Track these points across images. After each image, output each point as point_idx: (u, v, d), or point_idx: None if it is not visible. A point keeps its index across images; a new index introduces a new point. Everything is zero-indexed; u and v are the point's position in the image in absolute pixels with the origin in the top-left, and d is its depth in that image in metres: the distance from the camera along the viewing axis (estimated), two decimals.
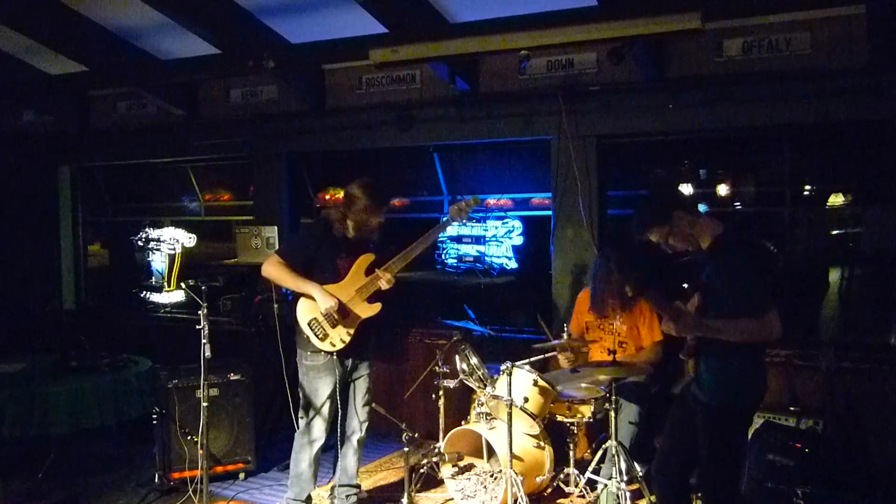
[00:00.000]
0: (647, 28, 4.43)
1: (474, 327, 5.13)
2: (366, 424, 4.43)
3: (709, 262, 3.32)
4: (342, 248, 4.24)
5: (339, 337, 4.16)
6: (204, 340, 4.19)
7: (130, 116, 7.74)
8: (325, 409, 4.26)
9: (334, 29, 5.73)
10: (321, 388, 4.23)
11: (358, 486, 4.56)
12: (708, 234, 3.31)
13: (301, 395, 4.31)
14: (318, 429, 4.28)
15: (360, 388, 4.39)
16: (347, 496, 4.48)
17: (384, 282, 4.19)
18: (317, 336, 4.14)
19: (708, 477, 3.37)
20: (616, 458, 4.30)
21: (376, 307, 4.25)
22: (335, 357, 4.19)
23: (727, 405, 3.28)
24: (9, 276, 8.20)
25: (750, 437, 4.41)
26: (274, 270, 4.17)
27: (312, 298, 4.12)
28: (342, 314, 4.16)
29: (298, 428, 4.35)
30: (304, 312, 4.16)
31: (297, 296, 4.21)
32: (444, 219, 4.49)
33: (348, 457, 4.44)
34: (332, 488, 4.56)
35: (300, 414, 4.33)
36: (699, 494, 3.84)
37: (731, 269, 3.22)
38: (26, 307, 8.14)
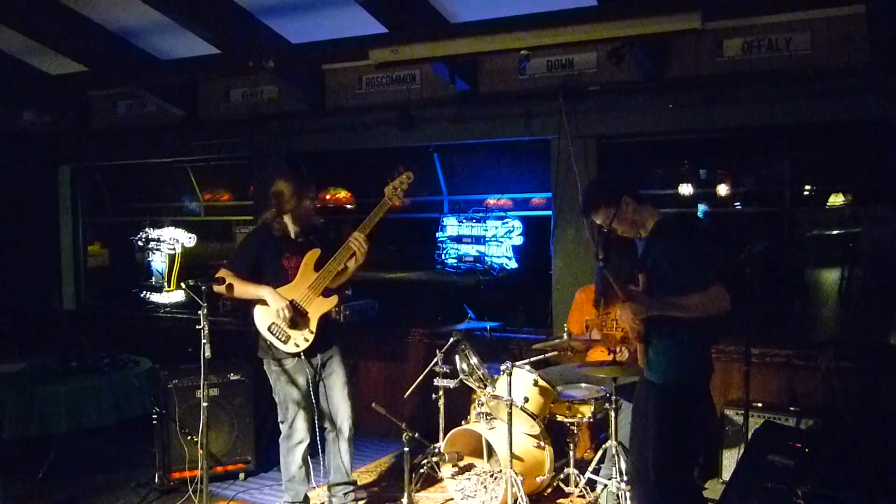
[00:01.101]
0: (647, 28, 4.43)
1: (474, 327, 5.13)
2: (351, 418, 4.39)
3: (651, 247, 3.42)
4: (285, 248, 4.23)
5: (302, 336, 4.16)
6: (204, 340, 4.19)
7: (130, 116, 7.74)
8: (303, 411, 4.26)
9: (334, 29, 5.73)
10: (293, 392, 4.24)
11: (354, 483, 4.54)
12: (650, 222, 3.44)
13: (276, 400, 4.32)
14: (301, 430, 4.28)
15: (337, 383, 4.36)
16: (345, 493, 4.46)
17: (357, 246, 4.12)
18: (279, 339, 4.14)
19: (659, 459, 3.38)
20: (616, 458, 4.30)
21: (332, 300, 4.25)
22: (303, 357, 4.19)
23: (679, 383, 3.35)
24: (9, 277, 8.20)
25: (750, 437, 4.42)
26: (224, 286, 4.13)
27: (265, 303, 4.13)
28: (299, 313, 4.16)
29: (282, 432, 4.35)
30: (262, 318, 4.17)
31: (253, 304, 4.20)
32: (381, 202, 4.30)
33: (341, 453, 4.41)
34: (329, 487, 4.54)
35: (280, 419, 4.33)
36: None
37: (672, 248, 3.33)
38: (26, 307, 8.13)
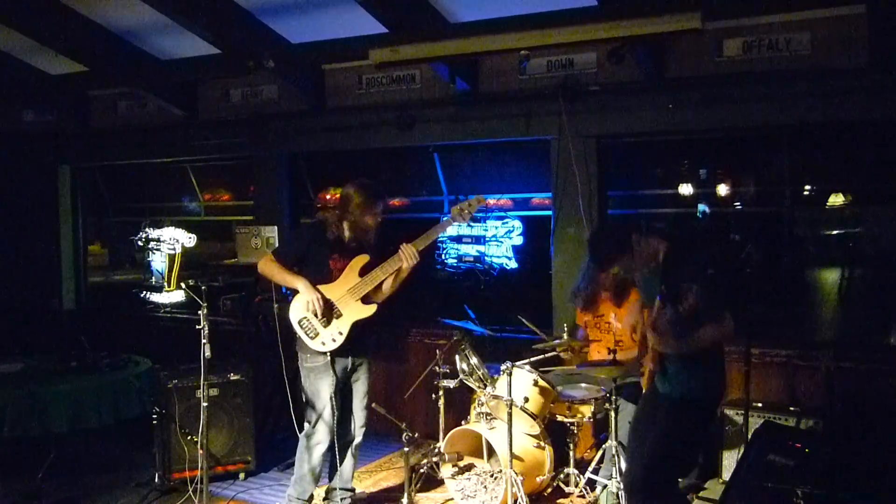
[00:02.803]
0: (647, 28, 4.43)
1: (474, 327, 5.13)
2: (364, 429, 4.43)
3: (663, 279, 3.39)
4: (336, 249, 4.23)
5: (331, 336, 4.15)
6: (204, 340, 4.20)
7: (130, 116, 7.74)
8: (328, 411, 4.25)
9: (334, 29, 5.73)
10: (322, 390, 4.23)
11: (353, 490, 4.57)
12: (660, 252, 3.44)
13: (304, 397, 4.30)
14: (323, 431, 4.28)
15: (359, 391, 4.38)
16: (342, 500, 4.48)
17: (406, 257, 4.13)
18: (308, 335, 4.14)
19: (652, 467, 3.39)
20: (616, 458, 4.31)
21: (370, 308, 4.20)
22: (328, 357, 4.18)
23: (695, 399, 3.37)
24: (9, 276, 8.20)
25: (750, 437, 4.42)
26: (266, 267, 4.24)
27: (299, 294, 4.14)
28: (333, 313, 4.15)
29: (303, 430, 4.35)
30: (296, 312, 4.16)
31: (291, 297, 4.21)
32: (445, 218, 4.46)
33: (345, 460, 4.43)
34: (328, 491, 4.55)
35: (306, 416, 4.31)
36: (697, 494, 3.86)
37: (685, 281, 3.30)
38: (26, 307, 8.13)
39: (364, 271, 4.21)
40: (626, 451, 4.28)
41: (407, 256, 4.14)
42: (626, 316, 3.94)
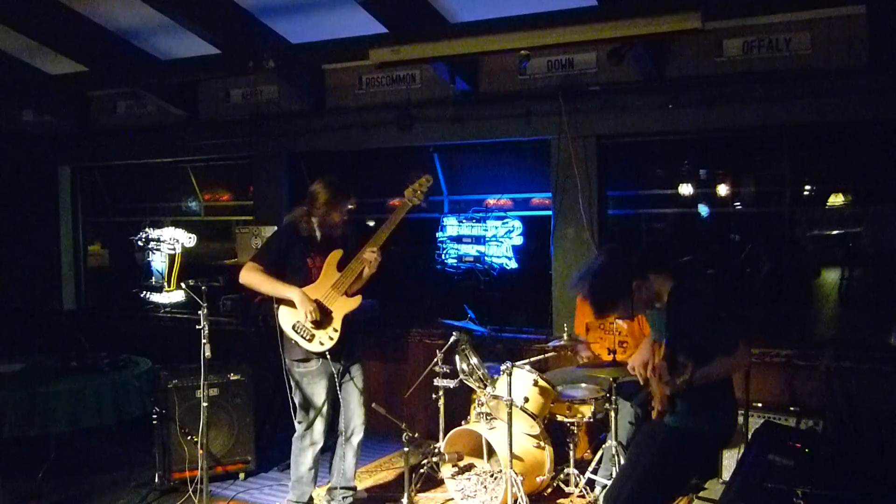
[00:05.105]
0: (647, 28, 4.43)
1: (474, 327, 5.13)
2: (363, 426, 4.43)
3: (671, 314, 3.33)
4: (311, 247, 4.25)
5: (327, 335, 4.15)
6: (204, 340, 4.19)
7: (130, 116, 7.74)
8: (324, 412, 4.26)
9: (334, 29, 5.73)
10: (318, 392, 4.23)
11: (354, 489, 4.56)
12: (664, 291, 3.34)
13: (298, 400, 4.30)
14: (318, 432, 4.28)
15: (356, 388, 4.38)
16: (344, 498, 4.47)
17: (368, 255, 4.17)
18: (304, 338, 4.13)
19: (641, 490, 3.28)
20: (616, 458, 4.30)
21: (356, 300, 4.25)
22: (327, 357, 4.19)
23: (700, 434, 3.32)
24: (9, 277, 8.20)
25: (750, 437, 4.42)
26: (251, 277, 4.17)
27: (291, 303, 4.12)
28: (324, 312, 4.16)
29: (297, 431, 4.35)
30: (287, 317, 4.16)
31: (277, 303, 4.20)
32: (400, 205, 4.39)
33: (347, 459, 4.43)
34: (329, 490, 4.55)
35: (298, 418, 4.31)
36: None
37: (693, 317, 3.24)
38: (26, 307, 8.13)
39: (341, 265, 4.24)
40: (626, 452, 4.29)
41: (371, 259, 4.18)
42: (636, 355, 3.98)
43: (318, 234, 4.26)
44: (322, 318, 4.13)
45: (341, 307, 4.20)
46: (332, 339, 4.16)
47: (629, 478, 3.34)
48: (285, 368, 4.28)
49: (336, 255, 4.26)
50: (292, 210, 4.42)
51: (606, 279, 3.35)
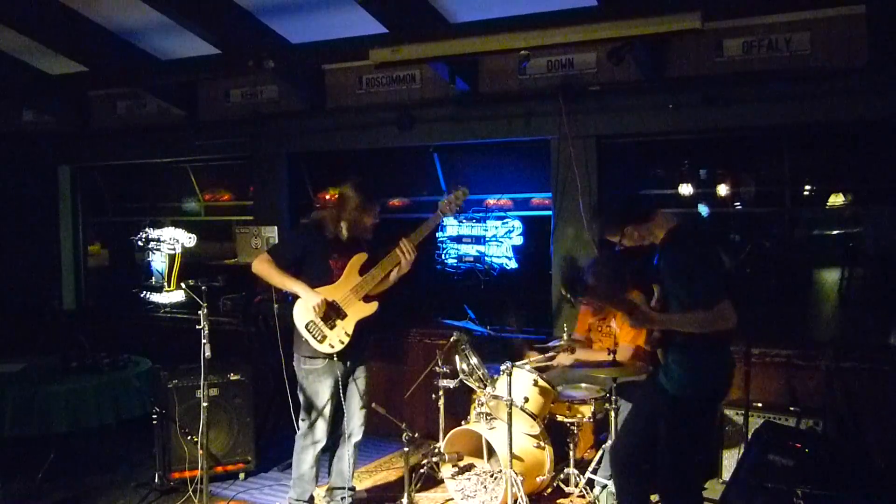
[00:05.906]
0: (647, 28, 4.44)
1: (474, 327, 5.13)
2: (363, 428, 4.43)
3: (661, 255, 3.41)
4: (334, 249, 4.23)
5: (338, 338, 4.14)
6: (204, 340, 4.20)
7: (130, 116, 7.74)
8: (327, 411, 4.25)
9: (334, 29, 5.73)
10: (322, 391, 4.22)
11: (353, 489, 4.56)
12: (659, 231, 3.43)
13: (301, 397, 4.29)
14: (321, 431, 4.27)
15: (359, 391, 4.38)
16: (342, 499, 4.48)
17: (404, 252, 4.13)
18: (315, 338, 4.12)
19: (667, 467, 3.39)
20: None
21: (373, 306, 4.23)
22: (335, 359, 4.18)
23: (692, 398, 3.35)
24: (9, 277, 8.20)
25: (750, 437, 4.42)
26: (262, 267, 4.18)
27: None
28: (338, 314, 4.15)
29: (299, 430, 4.34)
30: (301, 315, 4.14)
31: (295, 299, 4.20)
32: (434, 214, 4.42)
33: (344, 459, 4.42)
34: (329, 490, 4.55)
35: (301, 416, 4.31)
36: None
37: (678, 264, 3.31)
38: (26, 307, 8.13)
39: (364, 269, 4.22)
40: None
41: (405, 251, 4.15)
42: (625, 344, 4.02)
43: (344, 236, 4.24)
44: (336, 319, 4.13)
45: (357, 312, 4.19)
46: (342, 342, 4.14)
47: (630, 433, 3.48)
48: (293, 363, 4.28)
49: (360, 258, 4.23)
50: (318, 210, 4.40)
51: (606, 213, 3.69)
